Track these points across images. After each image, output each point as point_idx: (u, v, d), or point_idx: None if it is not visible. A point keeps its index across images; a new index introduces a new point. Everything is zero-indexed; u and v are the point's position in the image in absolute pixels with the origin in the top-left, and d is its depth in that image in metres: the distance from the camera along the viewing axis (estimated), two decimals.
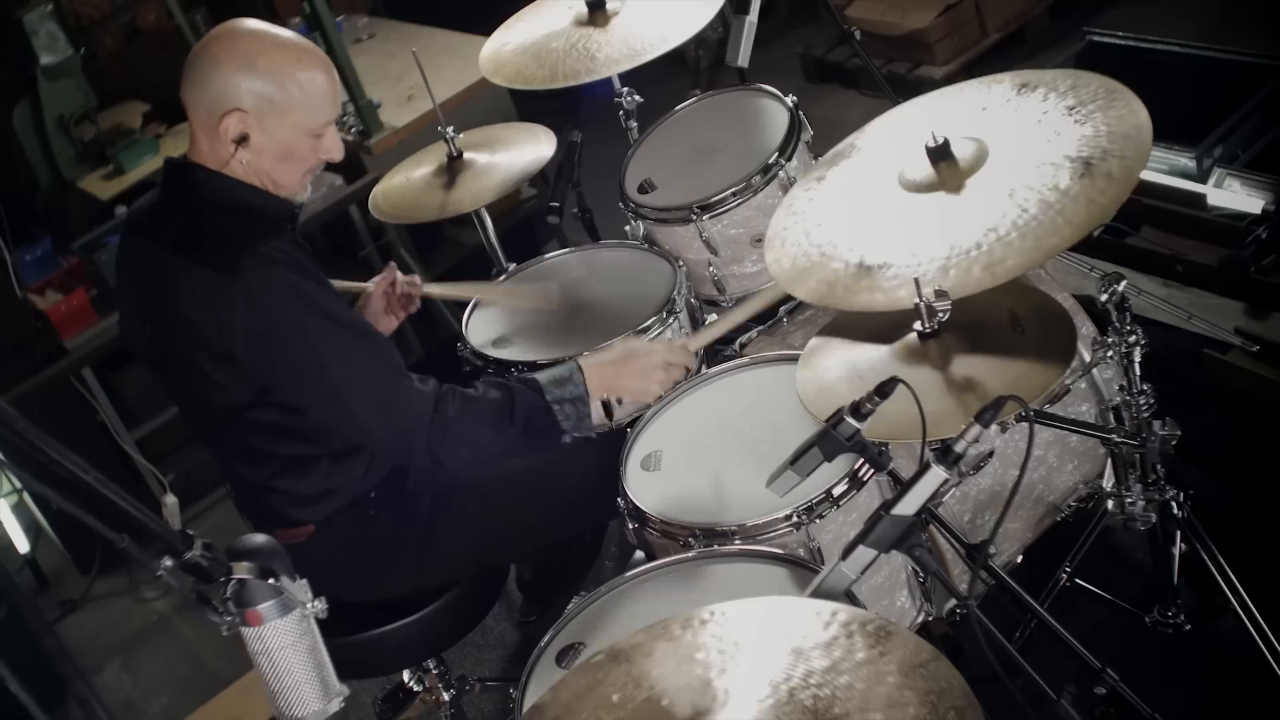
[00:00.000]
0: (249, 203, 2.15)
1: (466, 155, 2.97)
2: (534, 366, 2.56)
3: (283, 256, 2.08)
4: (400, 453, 2.23)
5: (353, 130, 4.17)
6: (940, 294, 1.90)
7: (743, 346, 2.76)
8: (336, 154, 2.19)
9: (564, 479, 2.47)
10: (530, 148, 2.97)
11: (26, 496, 4.15)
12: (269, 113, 2.08)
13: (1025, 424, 1.73)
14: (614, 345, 2.33)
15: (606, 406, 2.53)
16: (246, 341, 2.06)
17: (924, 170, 2.09)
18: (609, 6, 2.93)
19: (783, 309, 2.84)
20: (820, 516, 2.12)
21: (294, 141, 2.12)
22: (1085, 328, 2.43)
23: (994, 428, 1.66)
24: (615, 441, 2.44)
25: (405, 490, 2.35)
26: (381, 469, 2.32)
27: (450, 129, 2.96)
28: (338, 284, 2.52)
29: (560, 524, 2.55)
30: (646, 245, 2.88)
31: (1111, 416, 2.41)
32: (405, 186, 3.01)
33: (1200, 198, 3.16)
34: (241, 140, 2.09)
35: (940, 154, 2.06)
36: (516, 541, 2.50)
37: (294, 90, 2.09)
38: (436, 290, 2.71)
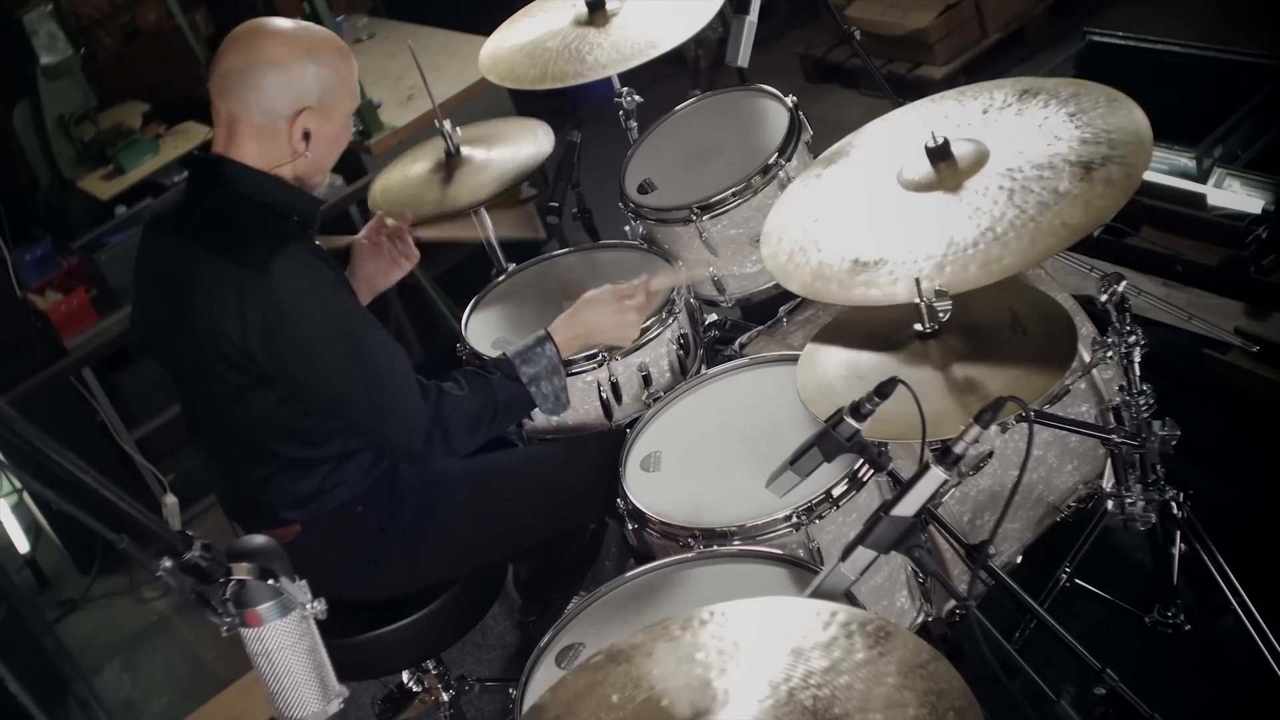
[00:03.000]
0: (286, 201, 2.17)
1: (464, 151, 2.98)
2: None
3: (312, 259, 2.11)
4: (402, 457, 2.31)
5: (353, 130, 4.17)
6: (941, 294, 1.90)
7: (743, 346, 2.76)
8: (351, 133, 2.29)
9: (559, 478, 2.47)
10: (528, 143, 2.97)
11: (26, 496, 4.15)
12: (331, 102, 2.15)
13: (1025, 424, 1.73)
14: (584, 296, 2.44)
15: (606, 406, 2.54)
16: (266, 338, 2.07)
17: (923, 170, 2.09)
18: (609, 6, 2.93)
19: (783, 309, 2.84)
20: (820, 517, 2.12)
21: (341, 127, 2.20)
22: (1085, 328, 2.43)
23: (994, 428, 1.66)
24: (613, 441, 2.44)
25: (393, 489, 2.36)
26: (376, 472, 2.32)
27: (448, 123, 2.96)
28: (325, 240, 2.54)
29: (555, 522, 2.55)
30: (646, 245, 2.88)
31: (1111, 417, 2.41)
32: (403, 182, 3.01)
33: (1200, 198, 3.16)
34: (306, 135, 2.13)
35: (940, 154, 2.07)
36: (510, 540, 2.50)
37: (346, 76, 2.17)
38: (425, 232, 2.72)
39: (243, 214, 2.13)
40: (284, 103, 2.10)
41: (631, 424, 2.47)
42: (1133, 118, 1.99)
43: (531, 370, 2.31)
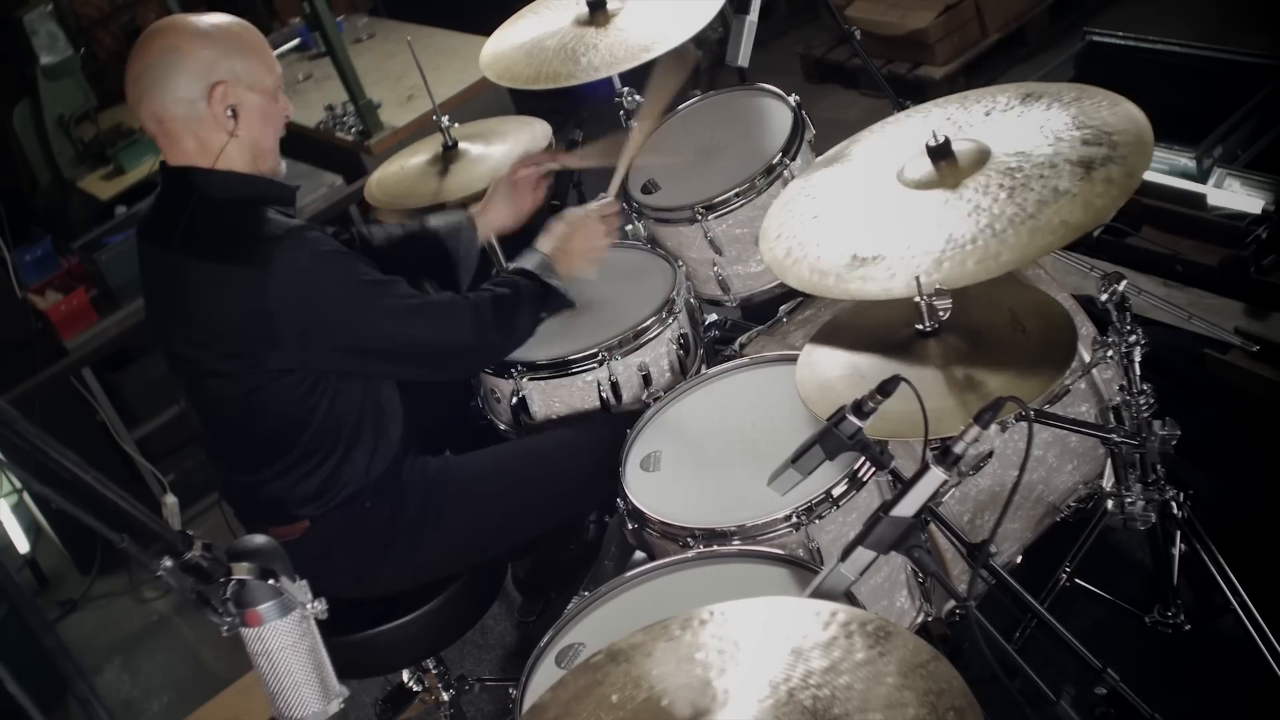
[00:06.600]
0: (253, 190, 2.19)
1: (461, 145, 2.99)
2: (533, 366, 2.57)
3: (305, 235, 2.13)
4: (474, 357, 2.43)
5: (353, 130, 4.17)
6: (941, 292, 1.90)
7: (743, 346, 2.76)
8: (290, 110, 2.29)
9: (560, 467, 2.47)
10: (525, 139, 2.98)
11: (26, 496, 4.15)
12: (242, 77, 2.14)
13: (1025, 424, 1.73)
14: (551, 227, 2.53)
15: (606, 405, 2.53)
16: (295, 327, 2.09)
17: (924, 169, 2.09)
18: (609, 6, 2.93)
19: (783, 308, 2.84)
20: (820, 517, 2.12)
21: (265, 102, 2.19)
22: (1085, 328, 2.43)
23: (993, 428, 1.66)
24: (614, 436, 2.44)
25: (399, 483, 2.36)
26: (383, 463, 2.32)
27: (445, 118, 2.97)
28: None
29: (555, 511, 2.55)
30: (647, 245, 2.88)
31: (1111, 416, 2.41)
32: (400, 174, 3.03)
33: (1200, 198, 3.16)
34: (232, 112, 2.13)
35: (940, 153, 2.07)
36: (511, 532, 2.51)
37: (248, 46, 2.17)
38: (577, 162, 2.81)
39: (226, 217, 2.14)
40: (192, 85, 2.11)
41: (631, 424, 2.47)
42: (1133, 118, 1.99)
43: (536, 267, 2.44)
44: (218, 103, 2.11)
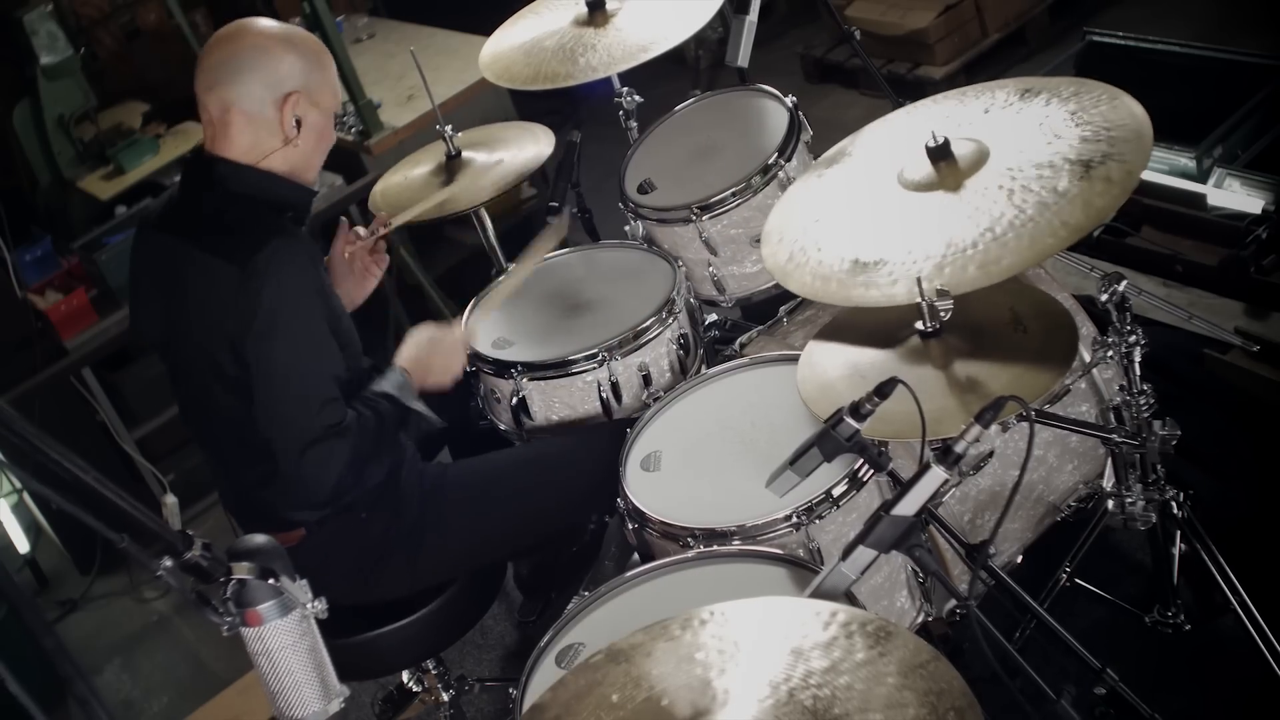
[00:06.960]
0: (279, 193, 2.20)
1: (465, 154, 2.98)
2: (532, 367, 2.57)
3: (303, 260, 2.13)
4: (302, 494, 2.19)
5: (353, 130, 4.17)
6: (942, 293, 1.90)
7: (743, 346, 2.76)
8: (334, 137, 2.31)
9: (560, 475, 2.47)
10: (529, 147, 2.97)
11: (26, 496, 4.15)
12: (316, 92, 2.18)
13: (1025, 424, 1.73)
14: (412, 336, 2.39)
15: (606, 406, 2.53)
16: (247, 327, 2.08)
17: (924, 170, 2.09)
18: (609, 6, 2.93)
19: (783, 309, 2.84)
20: (820, 517, 2.12)
21: (326, 120, 2.23)
22: (1085, 328, 2.43)
23: (994, 428, 1.66)
24: (613, 439, 2.44)
25: (397, 491, 2.36)
26: (380, 471, 2.31)
27: (449, 127, 2.97)
28: None
29: (555, 520, 2.54)
30: (646, 245, 2.88)
31: (1111, 416, 2.41)
32: (404, 184, 3.01)
33: (1200, 198, 3.16)
34: (297, 123, 2.16)
35: (940, 153, 2.07)
36: (510, 539, 2.50)
37: (326, 67, 2.21)
38: (403, 217, 2.68)
39: (237, 212, 2.15)
40: (270, 87, 2.14)
41: (631, 423, 2.47)
42: (1132, 114, 1.99)
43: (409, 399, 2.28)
44: (288, 111, 2.15)
